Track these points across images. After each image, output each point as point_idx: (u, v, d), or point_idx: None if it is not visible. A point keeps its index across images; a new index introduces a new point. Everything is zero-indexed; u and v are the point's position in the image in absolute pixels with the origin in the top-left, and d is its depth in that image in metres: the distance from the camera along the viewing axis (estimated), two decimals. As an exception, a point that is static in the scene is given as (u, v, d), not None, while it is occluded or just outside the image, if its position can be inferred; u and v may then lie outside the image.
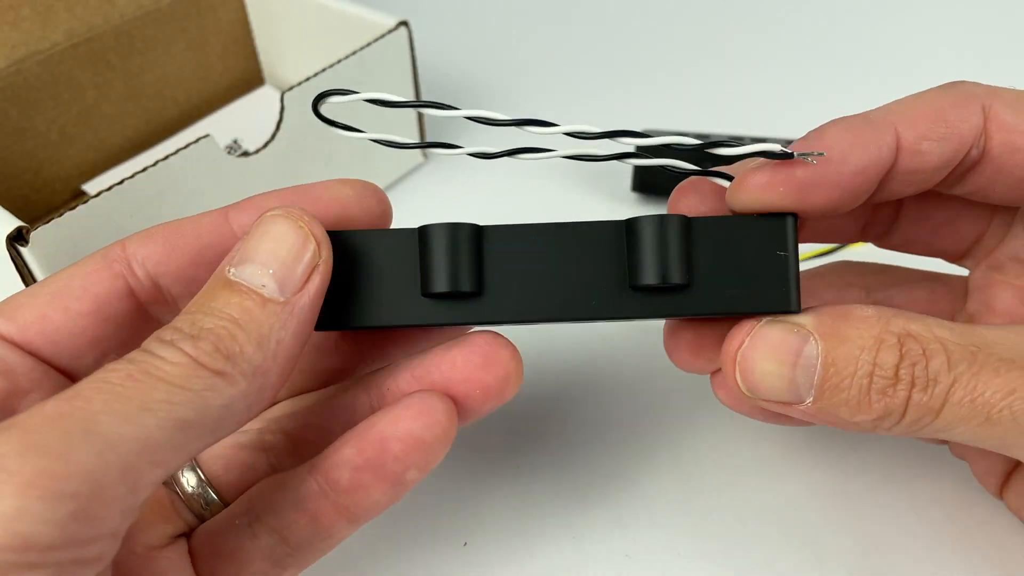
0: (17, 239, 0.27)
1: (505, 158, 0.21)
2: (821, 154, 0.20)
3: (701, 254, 0.21)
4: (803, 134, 0.21)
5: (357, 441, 0.21)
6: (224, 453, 0.23)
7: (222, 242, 0.21)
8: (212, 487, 0.23)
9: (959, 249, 0.26)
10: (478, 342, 0.22)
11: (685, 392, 0.31)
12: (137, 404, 0.16)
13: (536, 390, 0.32)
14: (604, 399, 0.31)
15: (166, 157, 0.31)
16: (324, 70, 0.36)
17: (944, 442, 0.27)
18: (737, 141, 0.20)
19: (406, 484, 0.21)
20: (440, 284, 0.20)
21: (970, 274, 0.26)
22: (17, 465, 0.14)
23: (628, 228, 0.21)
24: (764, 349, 0.20)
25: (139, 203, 0.31)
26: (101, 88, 0.41)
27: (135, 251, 0.21)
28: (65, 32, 0.39)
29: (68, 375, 0.20)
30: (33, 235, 0.27)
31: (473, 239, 0.21)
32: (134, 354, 0.17)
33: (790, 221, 0.21)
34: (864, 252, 0.35)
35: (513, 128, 0.20)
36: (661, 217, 0.20)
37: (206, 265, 0.21)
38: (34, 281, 0.28)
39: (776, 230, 0.21)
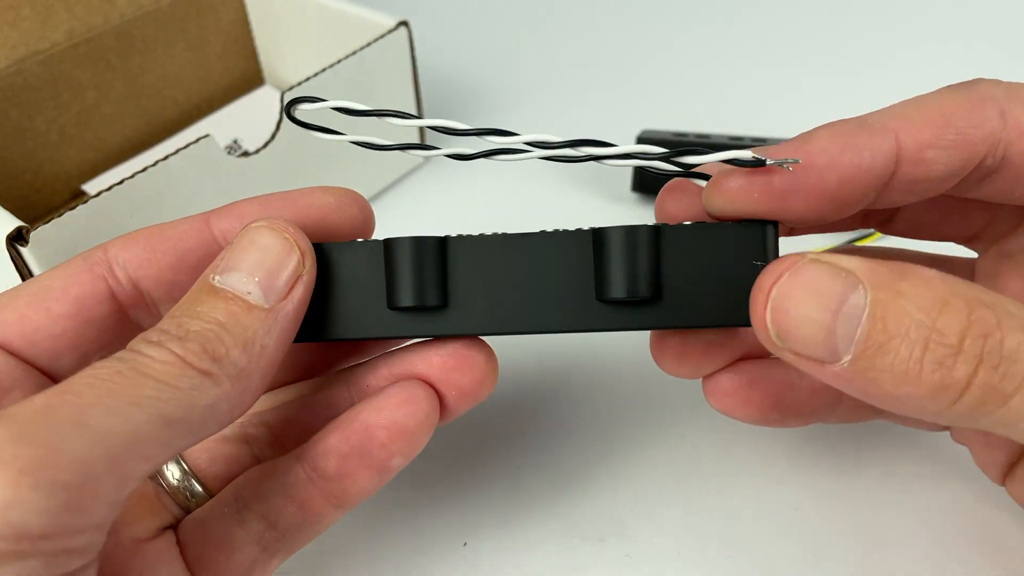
0: (17, 239, 0.27)
1: (483, 159, 0.21)
2: (796, 161, 0.18)
3: (673, 264, 0.20)
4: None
5: (342, 429, 0.22)
6: (208, 446, 0.24)
7: (203, 247, 0.21)
8: (197, 479, 0.23)
9: (967, 234, 0.24)
10: (455, 343, 0.22)
11: (685, 392, 0.31)
12: (126, 399, 0.16)
13: (536, 390, 0.32)
14: (604, 399, 0.31)
15: (166, 157, 0.31)
16: (324, 70, 0.36)
17: (947, 428, 0.26)
18: (705, 147, 0.19)
19: (391, 470, 0.22)
20: (405, 299, 0.21)
21: (978, 259, 0.25)
22: (10, 454, 0.14)
23: (595, 239, 0.20)
24: (804, 289, 0.17)
25: (139, 203, 0.31)
26: (101, 88, 0.41)
27: (116, 254, 0.21)
28: (65, 32, 0.39)
29: (48, 376, 0.20)
30: (33, 235, 0.27)
31: (437, 252, 0.21)
32: (122, 353, 0.17)
33: (770, 230, 0.19)
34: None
35: (475, 137, 0.20)
36: (627, 229, 0.19)
37: (187, 270, 0.21)
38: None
39: (754, 238, 0.19)
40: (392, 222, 0.40)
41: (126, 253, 0.21)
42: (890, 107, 0.19)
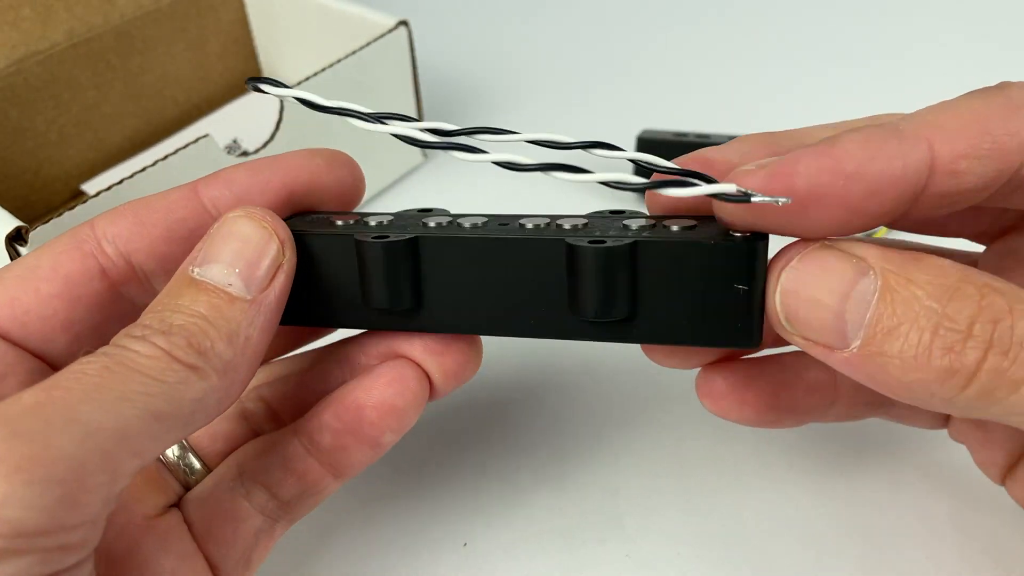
0: (16, 239, 0.27)
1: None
2: (787, 200, 0.16)
3: (650, 283, 0.18)
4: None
5: (335, 407, 0.22)
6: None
7: (194, 217, 0.21)
8: (195, 454, 0.23)
9: (975, 231, 0.24)
10: None
11: (685, 391, 0.31)
12: (115, 394, 0.16)
13: (535, 390, 0.32)
14: (604, 399, 0.31)
15: (165, 157, 0.31)
16: (324, 70, 0.36)
17: (944, 425, 0.26)
18: (686, 181, 0.17)
19: (384, 445, 0.22)
20: (376, 302, 0.21)
21: (983, 253, 0.24)
22: (2, 451, 0.14)
23: (568, 254, 0.19)
24: (815, 274, 0.17)
25: (139, 203, 0.31)
26: (101, 88, 0.41)
27: (105, 230, 0.21)
28: (65, 32, 0.39)
29: (41, 358, 0.20)
30: (32, 235, 0.27)
31: (408, 255, 0.20)
32: (107, 348, 0.17)
33: (759, 248, 0.18)
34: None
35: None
36: (600, 251, 0.18)
37: (179, 241, 0.21)
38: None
39: (739, 260, 0.18)
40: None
41: (114, 228, 0.21)
42: (919, 113, 0.18)
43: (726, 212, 0.18)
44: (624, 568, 0.26)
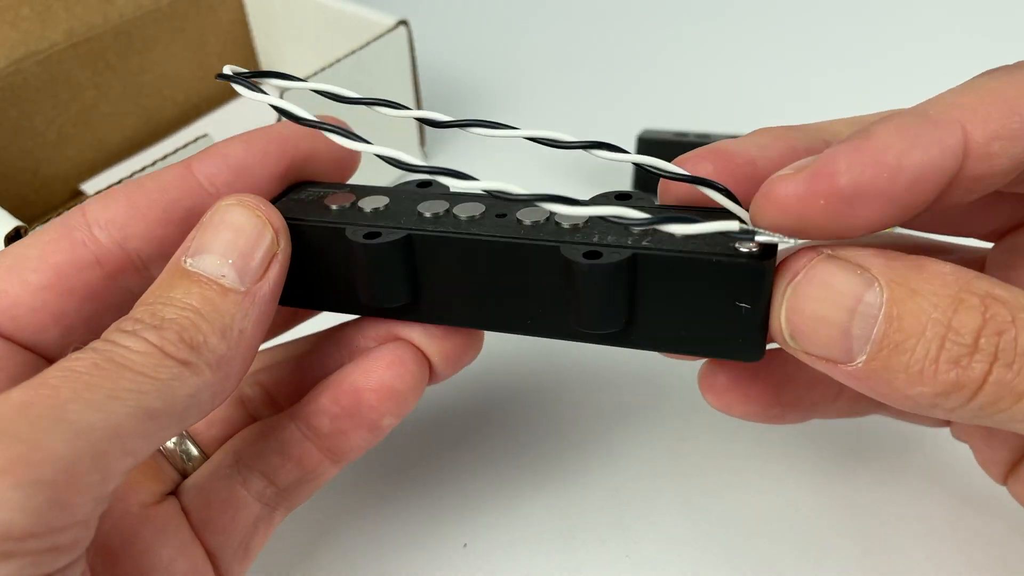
0: (15, 239, 0.27)
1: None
2: (788, 241, 0.16)
3: (649, 296, 0.18)
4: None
5: (333, 390, 0.22)
6: None
7: (189, 196, 0.20)
8: (193, 440, 0.23)
9: (987, 231, 0.23)
10: None
11: (685, 391, 0.31)
12: (105, 392, 0.16)
13: (536, 389, 0.32)
14: (604, 398, 0.31)
15: (164, 156, 0.31)
16: (323, 69, 0.36)
17: (947, 423, 0.26)
18: (692, 216, 0.17)
19: (383, 429, 0.22)
20: (373, 300, 0.20)
21: (991, 249, 0.23)
22: None
23: (564, 266, 0.18)
24: (820, 289, 0.17)
25: (138, 203, 0.31)
26: (100, 88, 0.41)
27: (96, 215, 0.20)
28: (64, 32, 0.39)
29: (33, 351, 0.20)
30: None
31: (400, 255, 0.20)
32: (97, 343, 0.17)
33: (766, 268, 0.17)
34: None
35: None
36: (597, 269, 0.18)
37: (176, 222, 0.20)
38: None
39: (744, 280, 0.17)
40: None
41: (107, 213, 0.20)
42: (943, 96, 0.17)
43: (771, 214, 0.17)
44: (624, 568, 0.26)
